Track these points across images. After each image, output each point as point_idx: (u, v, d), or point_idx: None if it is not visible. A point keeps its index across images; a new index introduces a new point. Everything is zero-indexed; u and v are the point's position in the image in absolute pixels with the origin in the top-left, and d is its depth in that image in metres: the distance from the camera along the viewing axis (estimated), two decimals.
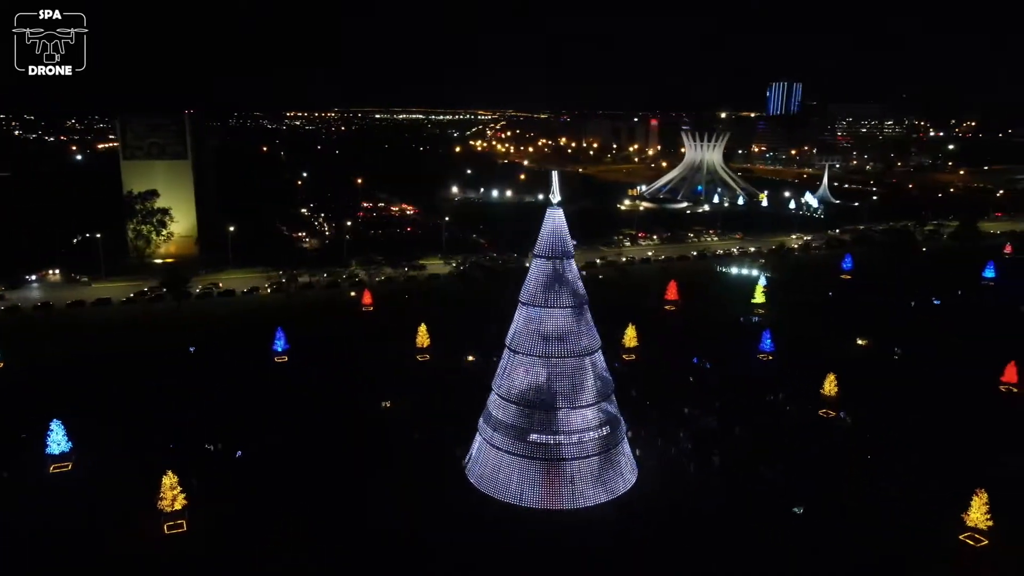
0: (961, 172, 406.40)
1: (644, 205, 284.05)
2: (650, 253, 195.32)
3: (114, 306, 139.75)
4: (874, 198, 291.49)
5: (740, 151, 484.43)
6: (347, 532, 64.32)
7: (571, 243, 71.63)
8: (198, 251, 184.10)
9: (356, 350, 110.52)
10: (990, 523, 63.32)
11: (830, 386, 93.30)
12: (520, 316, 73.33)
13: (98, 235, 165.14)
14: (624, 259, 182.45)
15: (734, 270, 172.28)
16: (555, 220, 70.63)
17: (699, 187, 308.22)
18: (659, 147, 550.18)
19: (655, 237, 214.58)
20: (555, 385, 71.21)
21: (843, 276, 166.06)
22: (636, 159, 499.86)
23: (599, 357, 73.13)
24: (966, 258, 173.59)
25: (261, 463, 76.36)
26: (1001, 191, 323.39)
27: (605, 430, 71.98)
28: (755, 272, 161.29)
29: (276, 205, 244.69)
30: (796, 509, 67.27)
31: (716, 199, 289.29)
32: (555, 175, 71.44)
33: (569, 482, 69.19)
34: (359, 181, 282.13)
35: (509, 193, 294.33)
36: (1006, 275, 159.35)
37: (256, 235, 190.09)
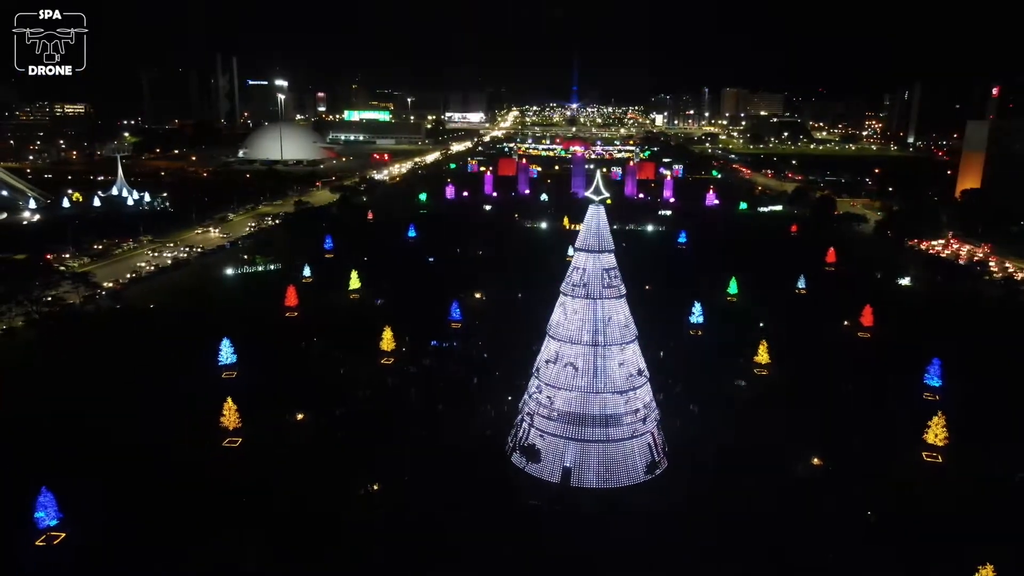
0: (194, 158, 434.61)
1: None
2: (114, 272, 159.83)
3: None
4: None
5: None
6: None
7: (611, 238, 77.37)
8: None
9: None
10: None
11: None
12: (561, 306, 77.43)
13: None
14: (113, 283, 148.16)
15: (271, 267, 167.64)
16: (598, 216, 75.99)
17: None
18: None
19: (68, 256, 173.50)
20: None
21: (327, 255, 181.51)
22: None
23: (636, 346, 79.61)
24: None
25: None
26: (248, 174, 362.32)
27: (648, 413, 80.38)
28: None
29: None
30: (739, 382, 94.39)
31: (34, 204, 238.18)
32: (599, 174, 75.60)
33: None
34: None
35: None
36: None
37: None
